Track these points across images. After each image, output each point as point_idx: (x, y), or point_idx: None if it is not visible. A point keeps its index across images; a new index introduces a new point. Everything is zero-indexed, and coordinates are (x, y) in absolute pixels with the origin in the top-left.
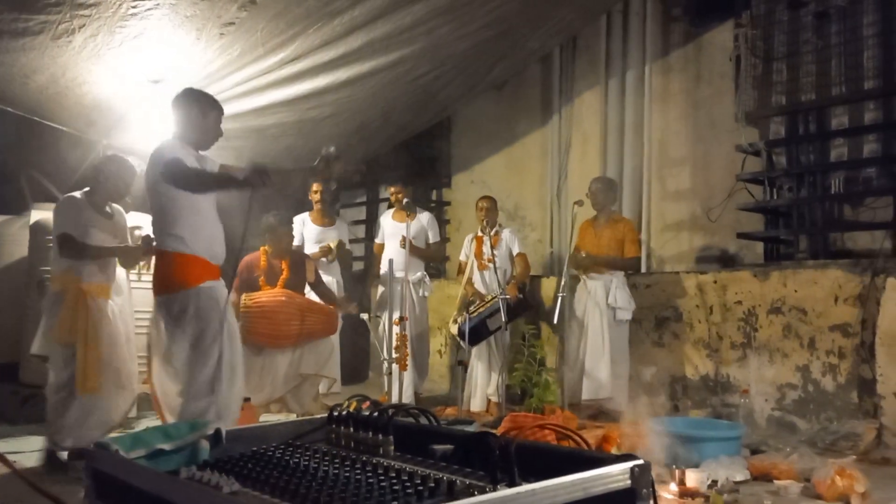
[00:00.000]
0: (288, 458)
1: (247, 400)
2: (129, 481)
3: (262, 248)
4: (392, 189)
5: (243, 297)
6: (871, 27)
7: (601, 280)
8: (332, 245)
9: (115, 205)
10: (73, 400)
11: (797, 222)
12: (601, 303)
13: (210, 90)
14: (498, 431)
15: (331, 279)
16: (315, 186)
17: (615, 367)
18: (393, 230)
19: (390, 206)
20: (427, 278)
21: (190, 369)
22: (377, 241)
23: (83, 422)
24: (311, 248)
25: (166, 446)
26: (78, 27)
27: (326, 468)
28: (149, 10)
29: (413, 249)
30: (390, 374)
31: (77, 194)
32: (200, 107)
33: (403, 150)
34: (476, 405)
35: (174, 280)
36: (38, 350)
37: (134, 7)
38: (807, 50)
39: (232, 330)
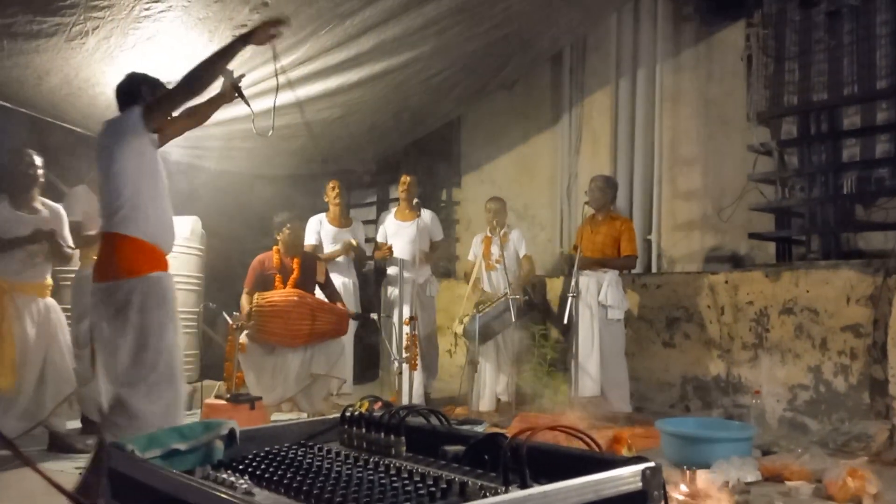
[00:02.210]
0: (301, 458)
1: (259, 399)
2: (144, 481)
3: (274, 248)
4: (404, 178)
5: (256, 296)
6: (884, 26)
7: (593, 277)
8: (354, 241)
9: (52, 204)
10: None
11: (809, 222)
12: (592, 300)
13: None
14: (508, 431)
15: (346, 281)
16: (332, 184)
17: (610, 368)
18: (397, 229)
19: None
20: (434, 278)
21: (137, 370)
22: (379, 239)
23: (1, 418)
24: (328, 249)
25: (181, 446)
26: (91, 29)
27: (339, 468)
28: (161, 12)
29: (423, 255)
30: (400, 373)
31: None
32: (149, 85)
33: (414, 150)
34: (486, 405)
35: (119, 266)
36: None
37: (147, 9)
38: (819, 49)
39: (177, 320)
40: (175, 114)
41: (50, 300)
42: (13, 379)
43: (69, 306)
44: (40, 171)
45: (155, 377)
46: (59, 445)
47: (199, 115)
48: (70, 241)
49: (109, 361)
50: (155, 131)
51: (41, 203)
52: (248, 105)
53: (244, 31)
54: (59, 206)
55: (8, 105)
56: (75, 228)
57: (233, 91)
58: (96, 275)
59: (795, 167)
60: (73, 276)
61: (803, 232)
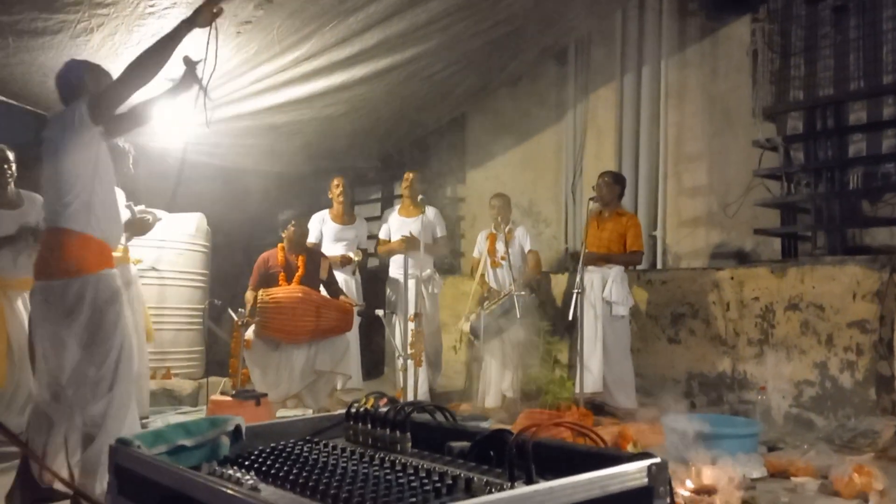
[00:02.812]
0: (307, 454)
1: (264, 395)
2: (151, 477)
3: (279, 245)
4: (407, 175)
5: (261, 292)
6: (891, 21)
7: (598, 273)
8: (357, 258)
9: (34, 195)
10: None
11: (815, 218)
12: (597, 296)
13: (226, 88)
14: (513, 428)
15: (348, 278)
16: (336, 181)
17: (614, 365)
18: (400, 226)
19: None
20: (437, 275)
21: (83, 368)
22: (381, 236)
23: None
24: (329, 246)
25: (187, 442)
26: (96, 26)
27: (345, 464)
28: (166, 8)
29: (426, 246)
30: (405, 370)
31: None
32: (94, 74)
33: (418, 146)
34: (491, 401)
35: (68, 264)
36: None
37: (151, 6)
38: (825, 44)
39: (129, 320)
40: (124, 105)
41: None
42: (4, 373)
43: None
44: (13, 166)
45: (99, 375)
46: None
47: (154, 109)
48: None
49: (54, 361)
50: (104, 123)
51: (17, 194)
52: (205, 91)
53: (247, 27)
54: (35, 195)
55: (13, 102)
56: None
57: (192, 77)
58: (40, 272)
59: (801, 163)
60: None
61: (809, 228)
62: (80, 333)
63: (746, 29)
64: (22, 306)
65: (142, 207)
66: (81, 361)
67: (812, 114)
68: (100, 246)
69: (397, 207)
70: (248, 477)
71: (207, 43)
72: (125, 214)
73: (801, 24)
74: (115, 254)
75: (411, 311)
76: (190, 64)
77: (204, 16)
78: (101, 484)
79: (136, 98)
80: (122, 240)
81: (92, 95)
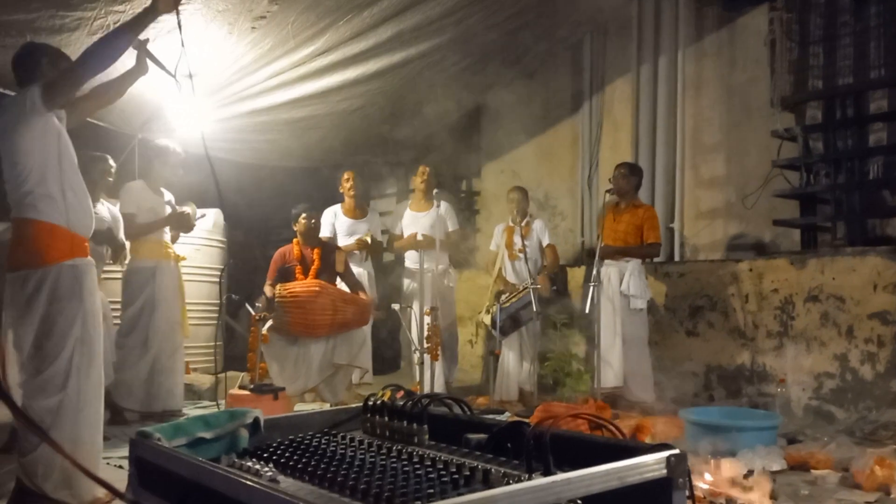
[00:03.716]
0: (325, 446)
1: (282, 389)
2: (171, 469)
3: (294, 240)
4: (422, 169)
5: (278, 287)
6: None
7: (616, 266)
8: (367, 238)
9: (107, 203)
10: None
11: (835, 209)
12: (614, 290)
13: (242, 84)
14: (530, 421)
15: (362, 271)
16: (347, 175)
17: (632, 358)
18: (412, 221)
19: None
20: (452, 269)
21: (36, 361)
22: (395, 231)
23: None
24: (343, 241)
25: (207, 435)
26: (113, 23)
27: (363, 456)
28: (182, 5)
29: (432, 243)
30: (422, 364)
31: None
32: (52, 58)
33: (433, 140)
34: (507, 395)
35: (30, 254)
36: None
37: None
38: (844, 32)
39: (93, 311)
40: (80, 91)
41: (100, 292)
42: None
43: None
44: (111, 179)
45: (51, 371)
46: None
47: (112, 92)
48: (123, 240)
49: (17, 355)
50: (59, 108)
51: (101, 202)
52: (164, 68)
53: (261, 23)
54: (115, 208)
55: None
56: (129, 220)
57: (145, 61)
58: (8, 264)
59: (821, 153)
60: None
61: (829, 218)
62: (37, 326)
63: (764, 18)
64: None
65: (191, 207)
66: (34, 356)
67: (831, 103)
68: (65, 235)
69: (409, 202)
70: (267, 469)
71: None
72: (164, 212)
73: (819, 13)
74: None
75: (427, 305)
76: (140, 45)
77: (165, 2)
78: (45, 484)
79: (96, 80)
80: (167, 237)
81: (46, 80)
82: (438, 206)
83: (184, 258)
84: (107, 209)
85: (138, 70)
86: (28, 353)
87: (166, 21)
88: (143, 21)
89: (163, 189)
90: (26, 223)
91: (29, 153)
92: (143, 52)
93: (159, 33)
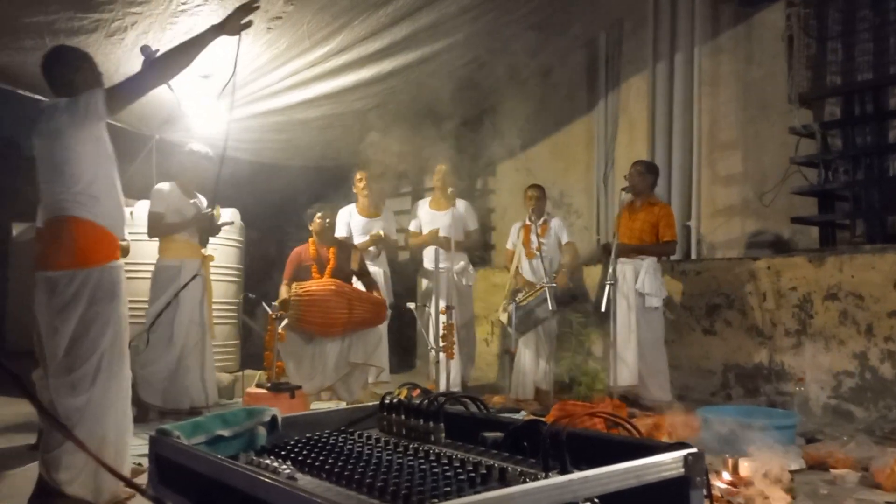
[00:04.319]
0: (342, 444)
1: (298, 388)
2: (190, 466)
3: (310, 239)
4: (439, 167)
5: (294, 286)
6: None
7: (631, 265)
8: (380, 233)
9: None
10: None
11: (853, 206)
12: (630, 288)
13: (257, 84)
14: (547, 419)
15: (378, 270)
16: (359, 175)
17: (648, 356)
18: (431, 219)
19: (416, 198)
20: (470, 267)
21: (68, 360)
22: (412, 229)
23: None
24: (358, 240)
25: (225, 433)
26: (130, 24)
27: (380, 454)
28: (198, 6)
29: (457, 244)
30: (437, 362)
31: None
32: (84, 59)
33: (448, 139)
34: (523, 393)
35: (75, 255)
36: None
37: (184, 3)
38: (863, 28)
39: (125, 313)
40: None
41: None
42: None
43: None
44: None
45: (82, 371)
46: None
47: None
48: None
49: (48, 353)
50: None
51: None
52: (168, 84)
53: (277, 23)
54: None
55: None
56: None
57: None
58: (43, 263)
59: (839, 149)
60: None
61: (848, 216)
62: (72, 324)
63: (781, 14)
64: None
65: (216, 210)
66: (68, 355)
67: (850, 99)
68: (106, 236)
69: (428, 200)
70: (285, 466)
71: (237, 55)
72: (191, 212)
73: (837, 8)
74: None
75: (443, 303)
76: (148, 52)
77: (232, 24)
78: (66, 482)
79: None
80: (195, 239)
81: (111, 88)
82: (454, 204)
83: (212, 258)
84: None
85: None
86: (62, 352)
87: (182, 22)
88: (208, 38)
89: (196, 192)
90: (70, 222)
91: (84, 157)
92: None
93: (176, 35)
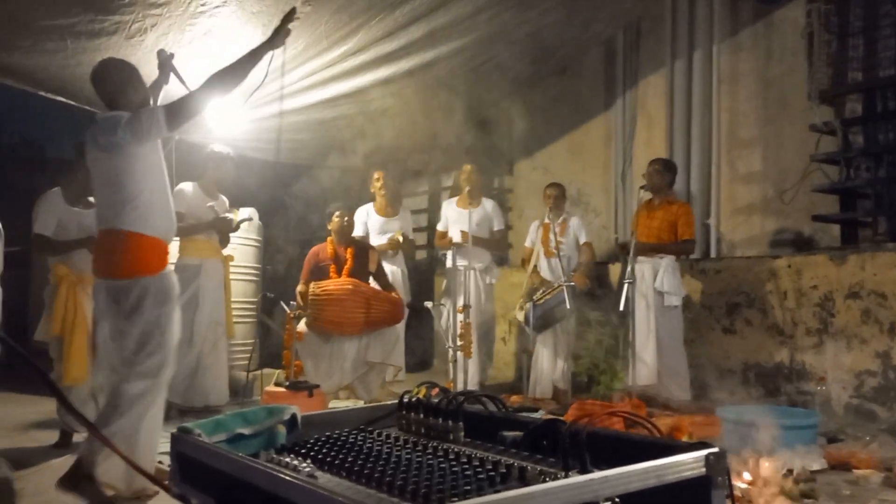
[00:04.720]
0: (361, 442)
1: (317, 387)
2: (211, 464)
3: (328, 238)
4: (465, 167)
5: (312, 285)
6: None
7: (649, 263)
8: (398, 236)
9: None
10: (71, 388)
11: (875, 203)
12: (648, 287)
13: (275, 85)
14: (565, 418)
15: (395, 269)
16: (377, 174)
17: (667, 356)
18: (457, 217)
19: (452, 195)
20: (494, 266)
21: (140, 357)
22: (439, 228)
23: (81, 407)
24: (375, 239)
25: (245, 431)
26: (150, 26)
27: (399, 453)
28: (217, 7)
29: (476, 240)
30: (455, 361)
31: (53, 190)
32: (134, 73)
33: (465, 138)
34: (541, 392)
35: (137, 264)
36: (38, 336)
37: (202, 5)
38: (885, 23)
39: (178, 317)
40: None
41: None
42: (86, 371)
43: None
44: None
45: (147, 366)
46: (65, 443)
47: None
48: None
49: (115, 354)
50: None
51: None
52: (184, 83)
53: (295, 24)
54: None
55: (72, 102)
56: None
57: (168, 73)
58: (104, 271)
59: (860, 146)
60: None
61: (869, 213)
62: (140, 328)
63: (801, 10)
64: None
65: (233, 213)
66: (133, 353)
67: (872, 95)
68: (159, 246)
69: (455, 199)
70: (304, 464)
71: (271, 59)
72: (209, 215)
73: (859, 3)
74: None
75: (460, 302)
76: (166, 59)
77: (280, 37)
78: (105, 471)
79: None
80: (215, 239)
81: (170, 105)
82: (472, 203)
83: (232, 258)
84: None
85: (162, 80)
86: (129, 356)
87: (201, 23)
88: (259, 53)
89: (218, 193)
90: (128, 237)
91: (141, 171)
92: (168, 66)
93: (195, 36)
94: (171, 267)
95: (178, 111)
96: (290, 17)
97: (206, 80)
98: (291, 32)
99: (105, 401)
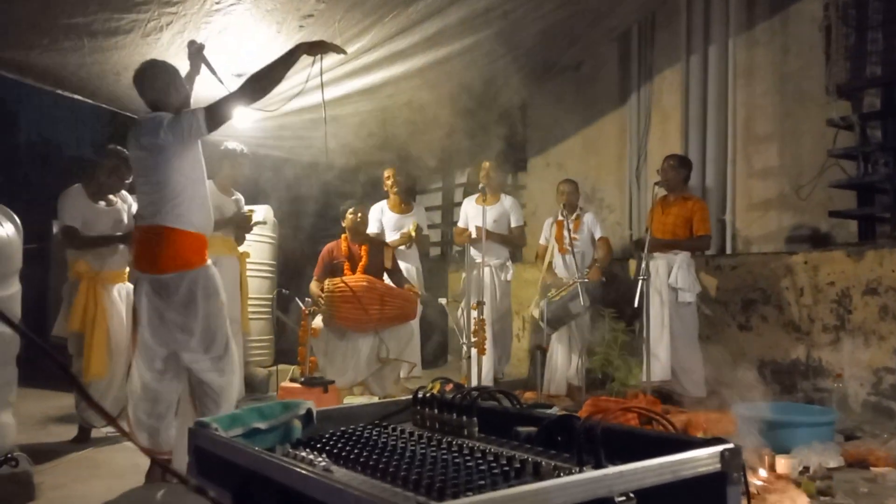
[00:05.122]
0: (376, 437)
1: (331, 382)
2: (228, 458)
3: (342, 236)
4: (484, 164)
5: (326, 282)
6: None
7: (664, 259)
8: (412, 230)
9: (123, 193)
10: (90, 384)
11: (894, 199)
12: (662, 283)
13: (289, 83)
14: (580, 415)
15: (410, 266)
16: (388, 172)
17: (682, 352)
18: (475, 214)
19: (467, 192)
20: (509, 262)
21: (213, 349)
22: (459, 224)
23: (100, 402)
24: (390, 236)
25: (262, 425)
26: (165, 24)
27: (414, 448)
28: (231, 5)
29: (493, 235)
30: (469, 358)
31: (74, 187)
32: (176, 74)
33: (479, 135)
34: (556, 389)
35: (183, 258)
36: (56, 332)
37: (217, 3)
38: None
39: (225, 307)
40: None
41: (129, 284)
42: (106, 366)
43: None
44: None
45: (227, 356)
46: (83, 438)
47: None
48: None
49: (172, 345)
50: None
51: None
52: (216, 74)
53: (309, 21)
54: (125, 194)
55: (89, 101)
56: (68, 232)
57: (199, 65)
58: (148, 266)
59: (879, 141)
60: None
61: (888, 209)
62: (201, 319)
63: (819, 4)
64: (121, 298)
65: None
66: (204, 346)
67: (890, 90)
68: (200, 241)
69: (475, 196)
70: (320, 459)
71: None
72: (229, 211)
73: None
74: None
75: (474, 299)
76: (197, 50)
77: (320, 47)
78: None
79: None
80: (231, 236)
81: (210, 108)
82: (490, 199)
83: (248, 255)
84: (127, 200)
85: (194, 72)
86: (199, 349)
87: (216, 21)
88: (294, 56)
89: (234, 190)
90: (170, 232)
91: (183, 171)
92: (199, 57)
93: (210, 34)
94: (210, 262)
95: (218, 113)
96: (339, 49)
97: (244, 83)
98: (328, 51)
99: (207, 400)
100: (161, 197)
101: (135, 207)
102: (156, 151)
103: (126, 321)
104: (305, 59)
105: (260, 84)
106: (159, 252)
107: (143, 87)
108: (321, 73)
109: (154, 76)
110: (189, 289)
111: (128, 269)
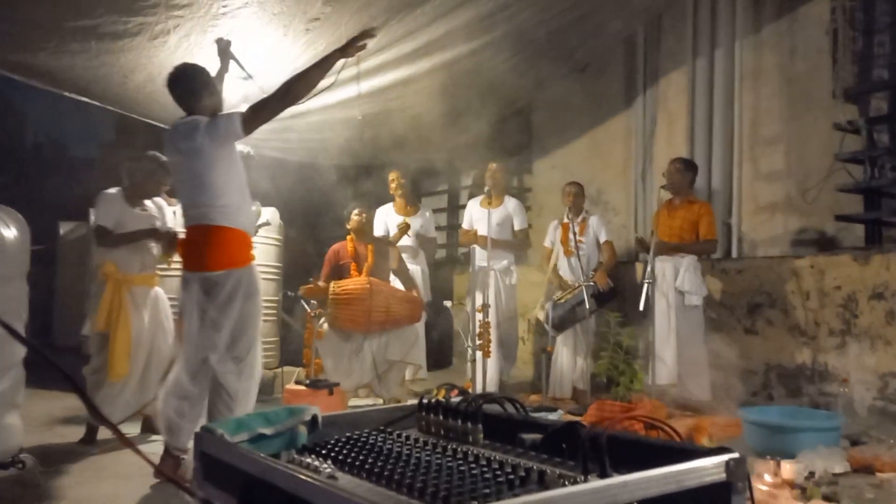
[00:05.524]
0: (381, 443)
1: (337, 385)
2: (233, 464)
3: (348, 237)
4: (490, 166)
5: (332, 284)
6: None
7: (670, 262)
8: (406, 220)
9: (157, 199)
10: (105, 383)
11: None
12: (669, 287)
13: None
14: (584, 419)
15: (416, 268)
16: (392, 175)
17: (688, 355)
18: (481, 216)
19: (472, 194)
20: (514, 266)
21: (237, 350)
22: (464, 226)
23: (112, 402)
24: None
25: (267, 431)
26: (172, 27)
27: (418, 454)
28: (238, 8)
29: (497, 243)
30: (474, 360)
31: (112, 190)
32: (209, 77)
33: (485, 137)
34: (560, 392)
35: (228, 257)
36: (85, 331)
37: (224, 6)
38: None
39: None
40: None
41: (158, 289)
42: (126, 368)
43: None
44: (168, 179)
45: (249, 359)
46: (153, 428)
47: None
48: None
49: (209, 342)
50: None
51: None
52: (244, 69)
53: (316, 24)
54: (160, 200)
55: (96, 103)
56: (101, 232)
57: (228, 61)
58: (197, 265)
59: (886, 145)
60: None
61: (894, 213)
62: (234, 318)
63: (826, 7)
64: (146, 302)
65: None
66: (230, 345)
67: None
68: (246, 239)
69: (480, 198)
70: (325, 465)
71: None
72: None
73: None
74: None
75: (479, 302)
76: (223, 45)
77: (353, 48)
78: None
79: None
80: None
81: (246, 112)
82: (494, 201)
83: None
84: (162, 207)
85: (223, 69)
86: (224, 347)
87: (223, 24)
88: (330, 61)
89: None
90: (218, 230)
91: (224, 172)
92: (228, 53)
93: (217, 37)
94: (254, 262)
95: (254, 117)
96: (367, 33)
97: (279, 87)
98: (365, 48)
99: (219, 400)
100: (206, 199)
101: (169, 213)
102: (194, 155)
103: (149, 325)
104: (315, 60)
105: (296, 88)
106: (207, 251)
107: (177, 90)
108: (357, 65)
109: (189, 79)
110: (233, 287)
111: (158, 274)
